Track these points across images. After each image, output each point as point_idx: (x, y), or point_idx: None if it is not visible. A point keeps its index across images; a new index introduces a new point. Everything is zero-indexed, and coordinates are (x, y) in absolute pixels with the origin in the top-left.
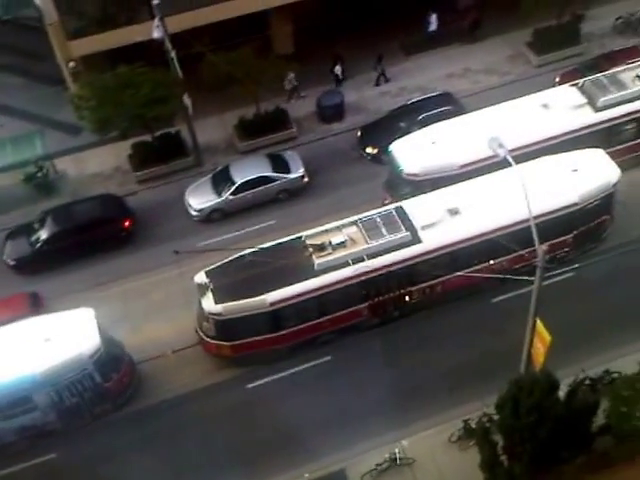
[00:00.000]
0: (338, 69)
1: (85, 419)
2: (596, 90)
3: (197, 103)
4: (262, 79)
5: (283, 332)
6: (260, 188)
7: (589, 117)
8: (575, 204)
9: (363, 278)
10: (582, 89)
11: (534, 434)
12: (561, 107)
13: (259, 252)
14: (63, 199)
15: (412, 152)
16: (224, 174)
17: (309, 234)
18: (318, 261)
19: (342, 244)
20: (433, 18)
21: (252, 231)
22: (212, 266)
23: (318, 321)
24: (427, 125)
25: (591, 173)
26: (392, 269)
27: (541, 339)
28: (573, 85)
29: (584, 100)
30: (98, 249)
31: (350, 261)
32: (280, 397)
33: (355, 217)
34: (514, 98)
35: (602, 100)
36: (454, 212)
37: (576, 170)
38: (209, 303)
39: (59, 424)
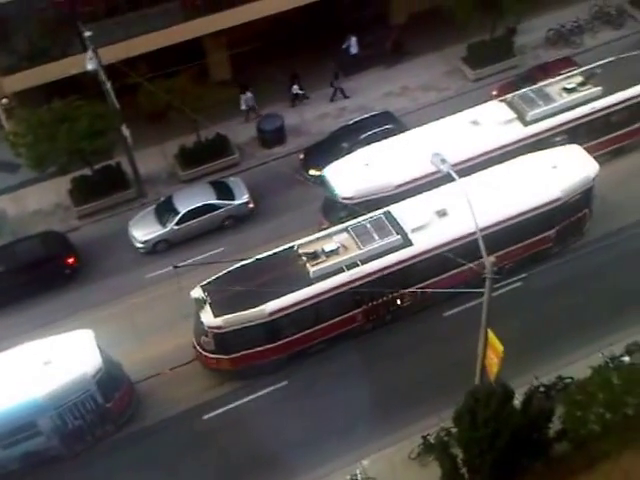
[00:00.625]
0: (295, 88)
1: (87, 442)
2: (524, 104)
3: (136, 134)
4: (200, 106)
5: (281, 342)
6: (205, 216)
7: (519, 131)
8: (558, 199)
9: (357, 283)
10: (511, 104)
11: (493, 445)
12: (491, 123)
13: (253, 263)
14: (3, 239)
15: (346, 175)
16: (168, 204)
17: (301, 243)
18: (313, 269)
19: (335, 251)
20: (353, 41)
21: (199, 260)
22: (208, 280)
23: (315, 329)
24: (369, 144)
25: (571, 168)
26: (385, 273)
27: (494, 350)
28: (502, 100)
29: (513, 115)
30: (42, 288)
31: (344, 267)
32: (238, 424)
33: (345, 224)
34: (453, 113)
35: (531, 114)
36: (442, 214)
37: (556, 167)
38: (208, 317)
39: (62, 449)
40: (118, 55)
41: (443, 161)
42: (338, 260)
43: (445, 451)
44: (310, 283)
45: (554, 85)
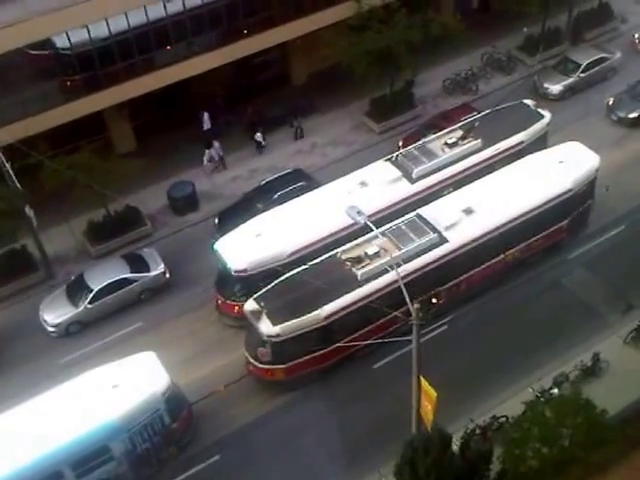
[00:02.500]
0: (259, 136)
1: (153, 466)
2: (409, 162)
3: (41, 213)
4: (107, 180)
5: (333, 347)
6: (120, 291)
7: (407, 189)
8: (570, 190)
9: (402, 282)
10: (396, 163)
11: None
12: (379, 183)
13: (300, 273)
14: None
15: (237, 248)
16: (79, 282)
17: (343, 250)
18: (360, 272)
19: (377, 254)
20: (205, 117)
21: (118, 337)
22: (259, 292)
23: (363, 331)
24: (283, 203)
25: (576, 162)
26: (426, 270)
27: (427, 397)
28: (387, 160)
29: (399, 173)
30: None
31: (389, 267)
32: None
33: (382, 228)
34: (362, 165)
35: (416, 171)
36: (469, 211)
37: (562, 161)
38: (266, 326)
39: (130, 474)
40: (16, 135)
41: (359, 213)
42: (382, 261)
43: None
44: (359, 285)
45: (436, 141)
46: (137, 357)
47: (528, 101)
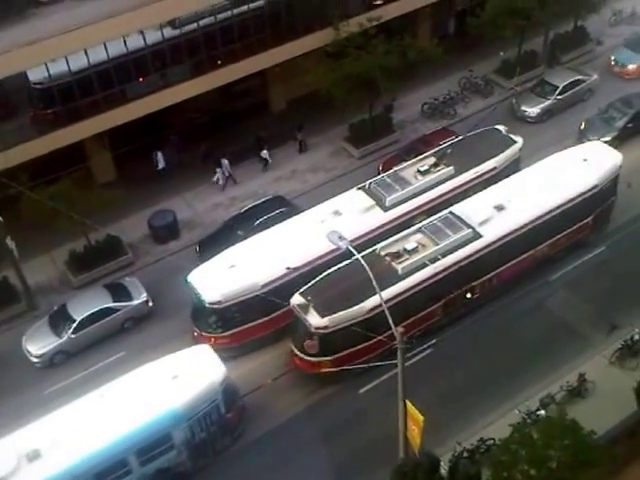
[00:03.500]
0: (265, 153)
1: (208, 457)
2: (382, 190)
3: (22, 244)
4: (88, 210)
5: (375, 340)
6: (103, 321)
7: (380, 217)
8: (595, 186)
9: (440, 275)
10: (369, 191)
11: None
12: (353, 211)
13: (342, 268)
14: None
15: (211, 280)
16: (62, 313)
17: (382, 246)
18: (401, 266)
19: (415, 249)
20: (159, 156)
21: (101, 367)
22: (304, 287)
23: (403, 324)
24: (265, 229)
25: (600, 159)
26: (462, 264)
27: (414, 420)
28: (360, 189)
29: (372, 202)
30: None
31: (427, 262)
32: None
33: (417, 225)
34: (343, 191)
35: (389, 199)
36: (500, 208)
37: (586, 159)
38: (315, 318)
39: (188, 464)
40: None
41: (341, 238)
42: (421, 256)
43: None
44: (400, 279)
45: (409, 168)
46: (193, 349)
47: (500, 127)
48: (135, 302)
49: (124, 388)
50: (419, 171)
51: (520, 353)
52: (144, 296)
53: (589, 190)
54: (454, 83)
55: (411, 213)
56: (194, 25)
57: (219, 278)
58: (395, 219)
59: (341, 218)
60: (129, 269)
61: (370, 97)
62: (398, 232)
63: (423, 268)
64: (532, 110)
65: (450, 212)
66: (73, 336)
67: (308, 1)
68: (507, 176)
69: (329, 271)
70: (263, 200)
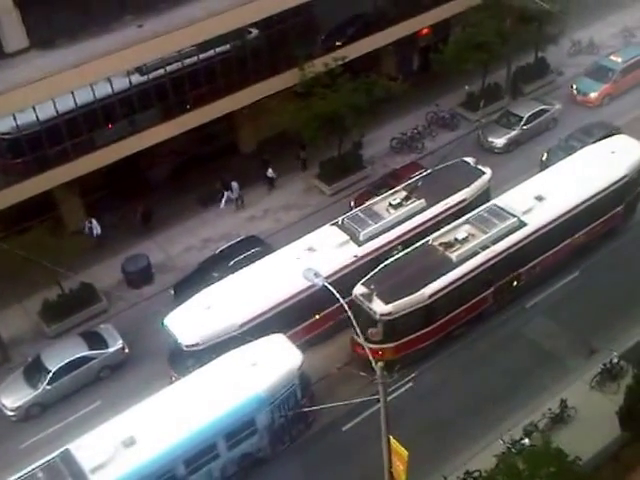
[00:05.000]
0: (271, 172)
1: (285, 442)
2: (355, 225)
3: None
4: (60, 258)
5: (434, 325)
6: (79, 370)
7: (354, 252)
8: (625, 176)
9: (491, 262)
10: (343, 227)
11: None
12: (327, 247)
13: (399, 259)
14: None
15: (188, 322)
16: (36, 364)
17: (434, 237)
18: (454, 254)
19: (466, 238)
20: (94, 223)
21: (77, 418)
22: (366, 277)
23: (458, 311)
24: (239, 270)
25: (626, 151)
26: (510, 251)
27: (398, 456)
28: (334, 224)
29: (346, 237)
30: None
31: (479, 249)
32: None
33: (465, 217)
34: (316, 228)
35: (363, 234)
36: (540, 198)
37: (614, 152)
38: (379, 305)
39: (268, 449)
40: None
41: (317, 275)
42: (472, 244)
43: None
44: (455, 266)
45: (380, 203)
46: (268, 338)
47: (468, 159)
48: (111, 349)
49: (207, 377)
50: (391, 205)
51: (501, 382)
52: (120, 343)
53: (619, 180)
54: (421, 118)
55: (386, 246)
56: (161, 71)
57: (196, 320)
58: (370, 253)
59: (316, 254)
60: (104, 316)
61: (339, 135)
62: (374, 266)
63: (475, 255)
64: (499, 141)
65: (494, 204)
66: (49, 387)
67: (273, 43)
68: (477, 207)
69: (387, 262)
70: (237, 240)
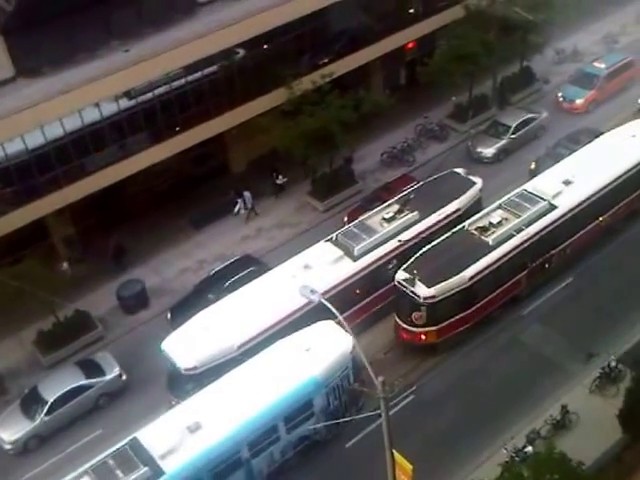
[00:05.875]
0: (281, 178)
1: (339, 426)
2: (350, 241)
3: None
4: (53, 287)
5: (473, 309)
6: (77, 399)
7: (350, 267)
8: None
9: (526, 245)
10: (337, 243)
11: None
12: (322, 264)
13: (436, 245)
14: None
15: (185, 345)
16: (33, 395)
17: (470, 222)
18: (491, 238)
19: (500, 222)
20: (65, 265)
21: (77, 448)
22: (406, 264)
23: (495, 294)
24: (235, 290)
25: None
26: (542, 234)
27: (403, 470)
28: (328, 241)
29: (341, 252)
30: None
31: (514, 232)
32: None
33: (497, 202)
34: (310, 245)
35: (357, 249)
36: (567, 182)
37: (634, 135)
38: (422, 289)
39: (324, 432)
40: None
41: (312, 292)
42: (507, 228)
43: None
44: (492, 249)
45: (374, 217)
46: (319, 324)
47: (459, 170)
48: (108, 377)
49: (264, 363)
50: (384, 219)
51: (501, 390)
52: (117, 370)
53: None
54: (410, 131)
55: (381, 260)
56: (149, 95)
57: (193, 344)
58: (365, 267)
59: (312, 271)
60: (100, 343)
61: (329, 151)
62: (370, 280)
63: (510, 238)
64: (488, 151)
65: (524, 190)
66: (46, 418)
67: (260, 63)
68: (470, 217)
69: (425, 248)
70: (232, 261)
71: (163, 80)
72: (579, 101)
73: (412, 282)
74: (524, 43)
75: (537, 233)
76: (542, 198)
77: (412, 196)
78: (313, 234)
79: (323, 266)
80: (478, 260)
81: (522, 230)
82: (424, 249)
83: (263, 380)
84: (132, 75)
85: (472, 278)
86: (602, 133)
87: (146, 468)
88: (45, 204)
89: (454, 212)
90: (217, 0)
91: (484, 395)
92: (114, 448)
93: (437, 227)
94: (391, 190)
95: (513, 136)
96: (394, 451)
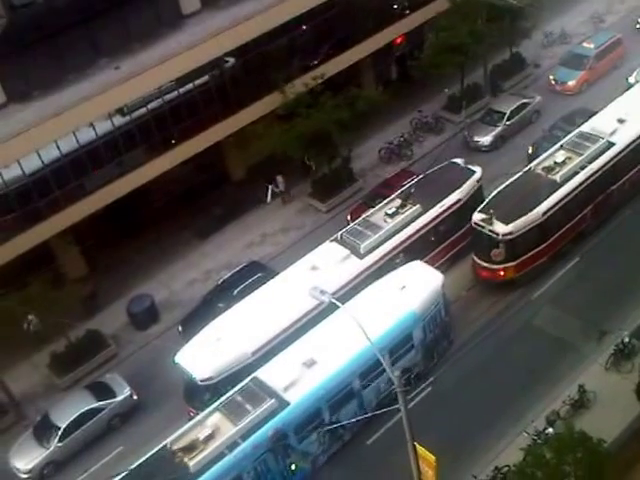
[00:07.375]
0: (280, 183)
1: (433, 358)
2: (355, 239)
3: (1, 354)
4: (62, 309)
5: (547, 243)
6: (89, 423)
7: (357, 265)
8: None
9: (589, 181)
10: (342, 241)
11: None
12: (330, 264)
13: (509, 185)
14: None
15: (199, 357)
16: (45, 422)
17: (536, 163)
18: (558, 175)
19: (564, 161)
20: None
21: (101, 467)
22: (481, 206)
23: (566, 228)
24: (244, 298)
25: None
26: (603, 170)
27: (426, 462)
28: (333, 240)
29: (347, 251)
30: None
31: (579, 169)
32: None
33: (558, 144)
34: (316, 246)
35: (363, 246)
36: (621, 120)
37: None
38: (500, 227)
39: (421, 365)
40: None
41: (323, 292)
42: (571, 165)
43: None
44: (560, 186)
45: (377, 213)
46: (409, 265)
47: (458, 160)
48: (119, 398)
49: (363, 302)
50: (387, 214)
51: (517, 375)
52: (127, 391)
53: None
54: (406, 125)
55: (387, 256)
56: (143, 109)
57: (207, 354)
58: (372, 264)
59: (320, 272)
60: (114, 361)
61: (327, 151)
62: (377, 278)
63: (576, 175)
64: (485, 139)
65: (580, 131)
66: (60, 444)
67: (251, 69)
68: (474, 206)
69: (499, 188)
70: (239, 268)
71: (155, 94)
72: (571, 82)
73: (490, 221)
74: (512, 29)
75: (599, 169)
76: (600, 137)
77: (413, 190)
78: (318, 235)
79: (330, 266)
80: (549, 197)
81: (585, 167)
82: (496, 191)
83: (366, 317)
84: (124, 92)
85: (545, 213)
86: (596, 112)
87: (272, 400)
88: (47, 227)
89: (456, 202)
90: (202, 11)
91: (501, 381)
92: (239, 386)
93: (440, 219)
94: (391, 185)
95: (508, 122)
96: (416, 444)
